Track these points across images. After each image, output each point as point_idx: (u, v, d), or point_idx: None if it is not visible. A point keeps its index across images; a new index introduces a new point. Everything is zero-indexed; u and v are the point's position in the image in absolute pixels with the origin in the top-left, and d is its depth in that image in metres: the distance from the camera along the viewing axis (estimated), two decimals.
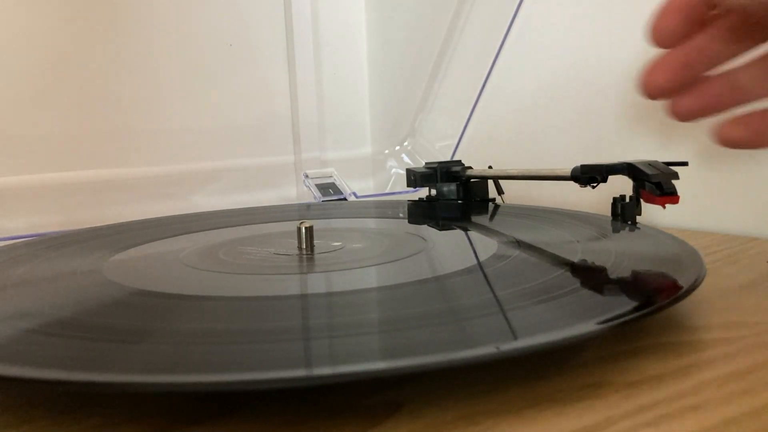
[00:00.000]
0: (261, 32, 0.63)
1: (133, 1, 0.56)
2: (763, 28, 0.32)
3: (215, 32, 0.61)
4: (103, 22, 0.55)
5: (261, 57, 0.63)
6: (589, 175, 0.37)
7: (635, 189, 0.35)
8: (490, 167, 0.48)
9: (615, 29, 0.39)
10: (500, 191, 0.48)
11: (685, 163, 0.35)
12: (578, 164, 0.38)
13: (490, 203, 0.48)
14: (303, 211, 0.52)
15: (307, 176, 0.60)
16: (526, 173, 0.44)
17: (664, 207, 0.33)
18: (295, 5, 0.63)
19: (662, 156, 0.45)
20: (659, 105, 0.42)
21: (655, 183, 0.33)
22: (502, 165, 0.50)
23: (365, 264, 0.31)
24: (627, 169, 0.34)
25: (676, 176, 0.33)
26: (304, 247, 0.34)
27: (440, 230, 0.41)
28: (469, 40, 0.61)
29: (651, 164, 0.34)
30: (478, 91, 0.59)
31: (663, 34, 0.33)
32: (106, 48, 0.55)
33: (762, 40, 0.32)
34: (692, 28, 0.32)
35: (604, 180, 0.36)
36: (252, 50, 0.63)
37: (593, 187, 0.37)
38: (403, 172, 0.57)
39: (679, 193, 0.33)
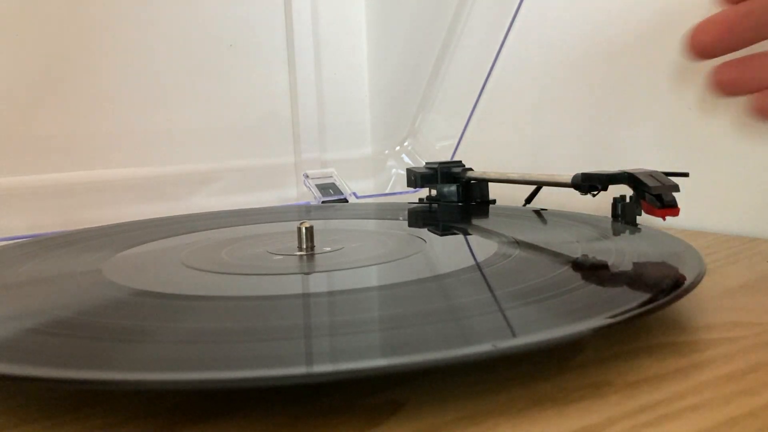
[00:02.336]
0: (261, 32, 0.63)
1: (133, 1, 0.56)
2: None
3: (215, 32, 0.61)
4: (103, 22, 0.55)
5: (261, 57, 0.63)
6: (589, 184, 0.37)
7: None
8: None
9: None
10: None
11: (685, 174, 0.35)
12: (579, 172, 0.38)
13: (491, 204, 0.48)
14: (303, 211, 0.51)
15: (307, 176, 0.60)
16: (527, 178, 0.44)
17: (664, 219, 0.33)
18: (295, 5, 0.63)
19: (664, 155, 0.45)
20: (661, 105, 0.43)
21: (656, 195, 0.33)
22: (503, 165, 0.50)
23: (365, 264, 0.31)
24: (627, 179, 0.34)
25: (676, 188, 0.33)
26: (305, 247, 0.34)
27: (440, 231, 0.41)
28: (469, 40, 0.61)
29: (652, 175, 0.34)
30: (478, 91, 0.59)
31: None
32: (107, 48, 0.55)
33: None
34: None
35: (605, 188, 0.37)
36: (252, 50, 0.63)
37: (594, 195, 0.37)
38: (404, 173, 0.57)
39: (680, 192, 0.33)
